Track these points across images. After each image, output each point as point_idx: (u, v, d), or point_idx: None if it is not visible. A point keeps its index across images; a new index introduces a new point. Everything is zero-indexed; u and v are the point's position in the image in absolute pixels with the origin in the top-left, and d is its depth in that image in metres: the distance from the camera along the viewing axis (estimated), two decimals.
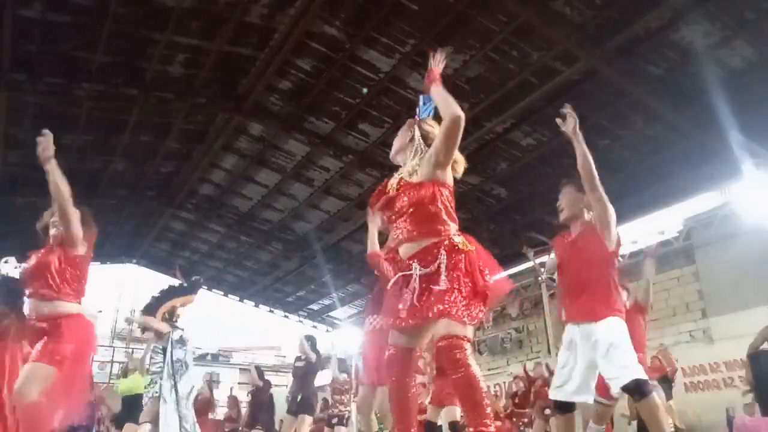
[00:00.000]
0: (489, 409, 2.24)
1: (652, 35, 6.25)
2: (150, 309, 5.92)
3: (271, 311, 16.48)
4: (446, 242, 2.37)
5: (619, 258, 3.48)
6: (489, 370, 12.25)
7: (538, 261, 10.14)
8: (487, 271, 2.37)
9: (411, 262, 2.40)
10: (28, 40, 7.04)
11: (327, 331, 17.06)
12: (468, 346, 2.24)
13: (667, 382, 7.25)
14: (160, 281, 15.83)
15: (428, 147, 2.55)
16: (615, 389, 3.17)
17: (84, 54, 7.49)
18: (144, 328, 6.13)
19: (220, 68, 8.03)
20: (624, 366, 3.04)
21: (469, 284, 2.31)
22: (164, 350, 5.61)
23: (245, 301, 16.26)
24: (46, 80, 7.61)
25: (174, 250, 14.93)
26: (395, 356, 2.46)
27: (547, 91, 7.16)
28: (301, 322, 16.73)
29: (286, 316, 16.63)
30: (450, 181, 2.52)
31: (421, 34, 6.88)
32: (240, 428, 10.06)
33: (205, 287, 15.62)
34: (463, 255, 2.35)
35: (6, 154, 9.25)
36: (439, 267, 2.32)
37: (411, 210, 2.44)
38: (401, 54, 7.20)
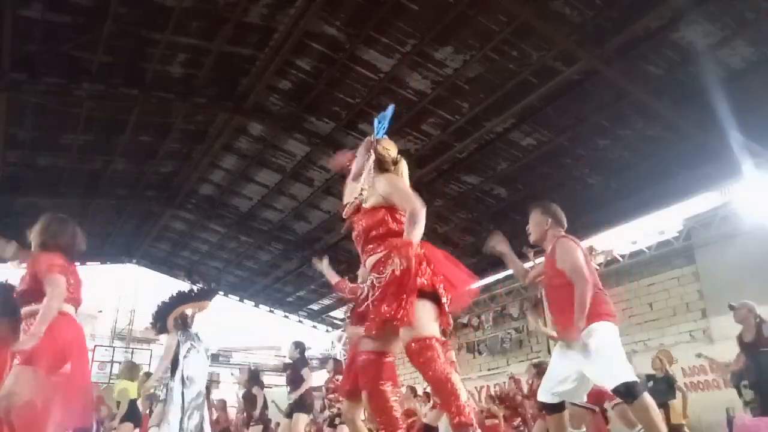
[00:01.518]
0: (464, 399, 2.32)
1: (652, 35, 6.24)
2: (160, 314, 5.94)
3: (271, 311, 16.48)
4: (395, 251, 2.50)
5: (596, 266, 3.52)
6: (489, 370, 12.25)
7: (538, 261, 10.13)
8: (431, 271, 2.48)
9: (371, 274, 2.59)
10: (28, 40, 7.04)
11: (327, 331, 17.06)
12: (435, 344, 2.35)
13: (667, 381, 7.25)
14: (160, 281, 15.86)
15: (382, 170, 2.74)
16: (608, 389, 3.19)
17: (84, 54, 7.49)
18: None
19: (220, 68, 8.03)
20: (612, 370, 3.06)
21: (411, 281, 2.41)
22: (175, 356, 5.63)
23: (245, 301, 16.26)
24: (46, 80, 7.62)
25: (174, 250, 14.93)
26: (366, 361, 2.59)
27: (547, 91, 7.16)
28: (301, 322, 16.73)
29: (286, 316, 16.62)
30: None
31: (421, 34, 6.88)
32: (232, 429, 10.09)
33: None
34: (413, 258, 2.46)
35: (6, 154, 9.25)
36: (391, 273, 2.44)
37: (366, 234, 2.64)
38: (401, 54, 7.21)
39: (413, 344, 2.33)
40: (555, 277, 3.40)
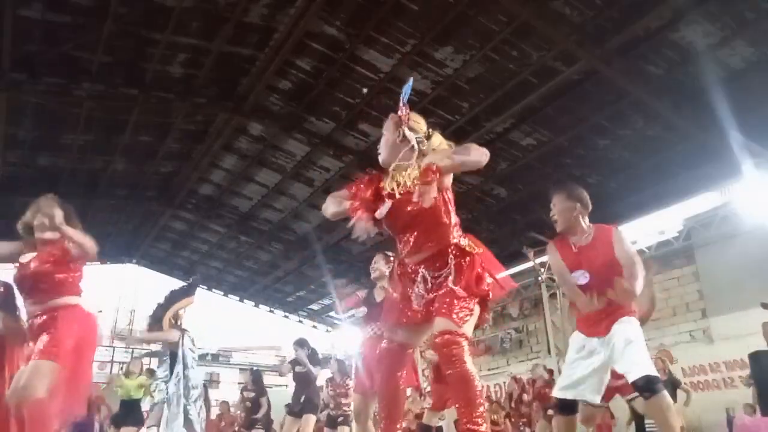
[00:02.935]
0: (482, 408, 2.26)
1: (652, 35, 6.25)
2: (156, 318, 5.95)
3: (271, 311, 16.48)
4: (454, 247, 2.40)
5: None
6: (489, 370, 12.26)
7: (538, 261, 10.14)
8: (486, 275, 2.41)
9: (419, 267, 2.43)
10: (28, 40, 7.04)
11: (327, 331, 17.06)
12: (465, 343, 2.28)
13: (671, 384, 7.23)
14: (160, 281, 15.86)
15: (419, 145, 2.49)
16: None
17: (84, 54, 7.49)
18: (151, 341, 6.18)
19: (220, 68, 8.03)
20: (636, 362, 2.99)
21: (473, 286, 2.35)
22: (172, 355, 5.61)
23: (245, 301, 16.26)
24: (46, 80, 7.61)
25: (174, 250, 14.93)
26: (388, 350, 2.52)
27: (547, 91, 7.16)
28: (301, 322, 16.74)
29: (286, 316, 16.63)
30: (450, 182, 2.48)
31: (421, 34, 6.88)
32: (237, 429, 10.07)
33: (205, 287, 15.65)
34: (469, 257, 2.39)
35: (6, 154, 9.25)
36: (448, 272, 2.37)
37: (417, 222, 2.40)
38: (401, 54, 7.20)
39: (445, 336, 2.26)
40: (611, 267, 3.15)
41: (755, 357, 5.36)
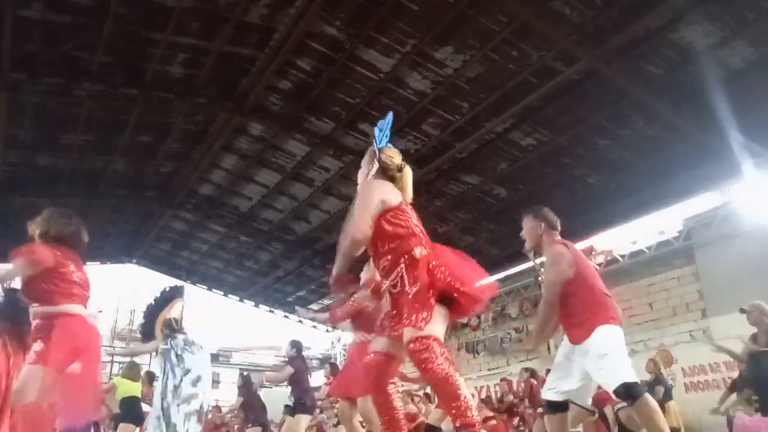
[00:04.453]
0: (466, 399, 2.30)
1: (652, 35, 6.25)
2: (147, 333, 5.94)
3: (271, 311, 16.49)
4: (406, 256, 2.52)
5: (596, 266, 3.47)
6: (489, 370, 12.25)
7: (538, 261, 10.12)
8: (448, 273, 2.48)
9: (383, 281, 2.63)
10: (28, 40, 7.04)
11: (327, 331, 17.07)
12: (435, 344, 2.34)
13: (660, 383, 7.22)
14: (160, 281, 15.85)
15: (387, 177, 2.74)
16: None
17: (84, 54, 7.49)
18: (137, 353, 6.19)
19: (220, 68, 8.03)
20: (613, 373, 3.06)
21: (424, 283, 2.42)
22: (163, 359, 5.62)
23: (245, 301, 16.26)
24: (46, 80, 7.61)
25: (174, 250, 14.93)
26: (374, 361, 2.58)
27: (547, 91, 7.16)
28: (301, 322, 16.72)
29: (286, 316, 16.62)
30: (394, 202, 2.64)
31: (421, 34, 6.88)
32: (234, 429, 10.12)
33: (205, 287, 15.65)
34: (416, 262, 2.49)
35: (6, 154, 9.25)
36: (401, 279, 2.48)
37: (371, 248, 2.65)
38: (401, 54, 7.21)
39: (412, 344, 2.34)
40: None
41: (755, 356, 5.34)
